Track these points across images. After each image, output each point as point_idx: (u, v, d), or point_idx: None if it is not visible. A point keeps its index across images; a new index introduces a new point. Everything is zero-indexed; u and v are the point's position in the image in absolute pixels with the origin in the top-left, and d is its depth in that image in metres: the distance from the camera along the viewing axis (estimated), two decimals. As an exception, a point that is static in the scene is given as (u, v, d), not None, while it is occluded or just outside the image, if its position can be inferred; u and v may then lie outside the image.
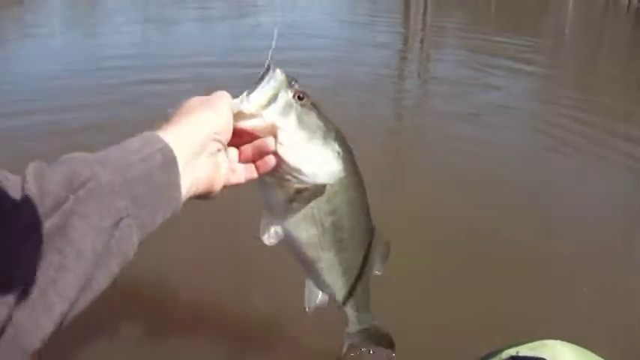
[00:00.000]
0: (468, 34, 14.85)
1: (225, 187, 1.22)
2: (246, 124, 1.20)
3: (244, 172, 1.26)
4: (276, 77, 1.23)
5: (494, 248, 4.08)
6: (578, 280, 3.79)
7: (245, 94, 1.21)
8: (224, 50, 10.95)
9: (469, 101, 8.10)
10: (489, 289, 3.57)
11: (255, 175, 1.26)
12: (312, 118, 1.28)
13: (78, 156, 0.94)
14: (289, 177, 1.28)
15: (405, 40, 14.46)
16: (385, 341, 2.00)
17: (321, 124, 1.30)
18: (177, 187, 1.04)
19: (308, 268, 1.56)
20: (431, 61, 11.91)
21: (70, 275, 0.85)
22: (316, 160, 1.27)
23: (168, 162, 1.02)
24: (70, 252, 0.85)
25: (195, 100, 1.17)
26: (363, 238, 1.54)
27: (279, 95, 1.23)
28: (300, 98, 1.28)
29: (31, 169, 0.89)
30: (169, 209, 1.03)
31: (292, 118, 1.24)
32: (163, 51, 10.98)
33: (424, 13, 19.60)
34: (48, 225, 0.84)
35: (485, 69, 10.11)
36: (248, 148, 1.25)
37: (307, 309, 1.61)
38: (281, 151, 1.22)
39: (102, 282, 0.91)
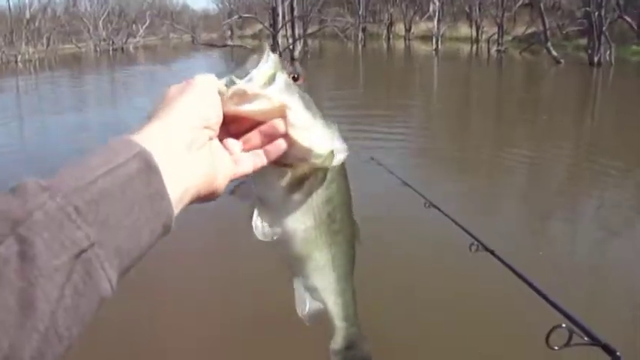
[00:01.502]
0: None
1: (231, 180, 1.07)
2: (252, 107, 1.05)
3: (251, 161, 1.10)
4: (272, 58, 1.10)
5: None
6: None
7: (230, 77, 1.06)
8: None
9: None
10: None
11: (264, 162, 1.11)
12: (308, 97, 1.18)
13: (19, 187, 0.74)
14: (296, 161, 1.17)
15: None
16: None
17: (314, 105, 1.20)
18: (164, 196, 0.86)
19: (298, 268, 1.46)
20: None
21: (23, 334, 0.68)
22: (323, 141, 1.16)
23: (147, 168, 0.84)
24: (14, 306, 0.68)
25: (174, 89, 1.01)
26: (351, 233, 1.45)
27: (277, 75, 1.10)
28: (294, 79, 1.17)
29: None
30: (158, 224, 0.84)
31: (297, 97, 1.11)
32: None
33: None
34: None
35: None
36: (254, 135, 1.09)
37: (302, 315, 1.50)
38: (292, 133, 1.09)
39: (72, 331, 0.73)
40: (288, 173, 1.16)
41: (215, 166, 1.00)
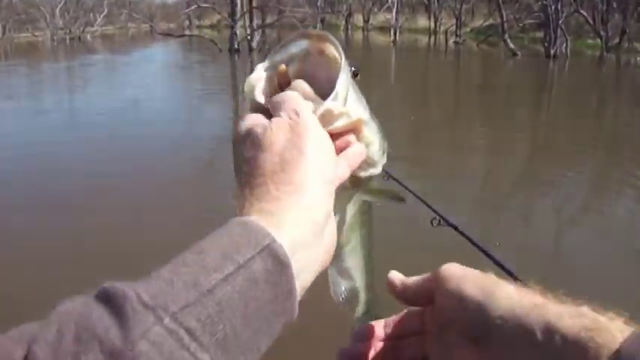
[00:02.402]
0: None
1: None
2: (335, 127, 0.88)
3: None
4: (345, 61, 0.90)
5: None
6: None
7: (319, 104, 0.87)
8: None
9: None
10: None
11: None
12: (364, 100, 1.08)
13: (113, 298, 0.58)
14: (358, 171, 1.07)
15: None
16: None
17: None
18: (290, 294, 0.68)
19: (335, 254, 1.46)
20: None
21: None
22: (383, 149, 1.09)
23: (276, 266, 0.66)
24: None
25: (277, 141, 0.76)
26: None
27: (350, 83, 0.92)
28: (354, 75, 1.05)
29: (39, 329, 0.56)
30: (278, 326, 0.67)
31: (366, 107, 0.96)
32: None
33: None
34: None
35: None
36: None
37: (339, 298, 1.51)
38: (365, 145, 0.94)
39: None
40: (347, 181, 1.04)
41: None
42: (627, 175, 10.61)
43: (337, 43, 0.89)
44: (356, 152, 0.87)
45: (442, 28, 49.65)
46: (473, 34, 46.44)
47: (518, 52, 33.66)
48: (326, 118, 0.85)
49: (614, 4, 37.92)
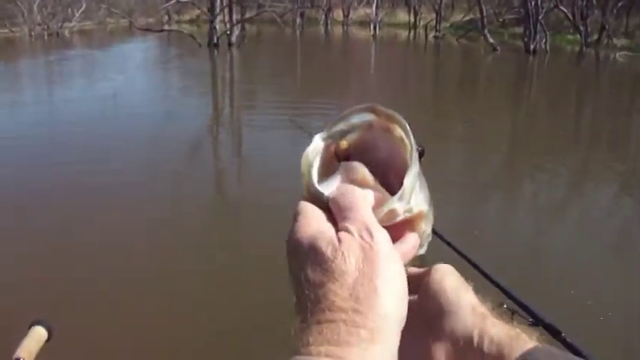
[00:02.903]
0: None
1: None
2: (394, 222, 0.82)
3: None
4: (416, 154, 0.82)
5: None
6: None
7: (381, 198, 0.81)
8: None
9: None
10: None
11: None
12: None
13: None
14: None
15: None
16: None
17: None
18: None
19: None
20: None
21: None
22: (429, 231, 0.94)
23: None
24: None
25: (345, 267, 0.67)
26: None
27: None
28: (421, 156, 0.95)
29: None
30: None
31: (426, 194, 0.88)
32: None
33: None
34: None
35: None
36: None
37: None
38: (419, 235, 0.86)
39: None
40: None
41: None
42: (605, 168, 10.71)
43: (407, 126, 0.82)
44: (410, 245, 0.81)
45: (422, 23, 49.63)
46: (452, 29, 46.43)
47: (498, 47, 33.71)
48: (388, 217, 0.79)
49: (594, 1, 38.07)
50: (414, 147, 0.81)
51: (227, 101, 19.18)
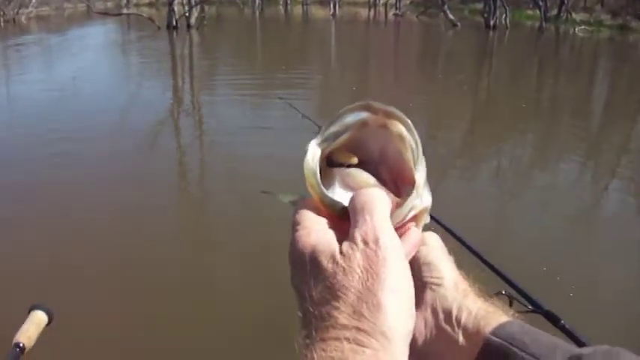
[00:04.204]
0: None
1: None
2: (403, 222, 0.81)
3: None
4: (420, 150, 0.82)
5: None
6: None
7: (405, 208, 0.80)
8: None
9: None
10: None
11: None
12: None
13: None
14: None
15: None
16: None
17: None
18: None
19: None
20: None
21: None
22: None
23: None
24: None
25: (348, 283, 0.66)
26: None
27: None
28: None
29: None
30: None
31: (429, 193, 0.88)
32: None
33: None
34: None
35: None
36: None
37: None
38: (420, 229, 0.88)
39: None
40: None
41: None
42: (566, 143, 10.85)
43: (409, 122, 0.79)
44: (415, 239, 0.83)
45: (382, 1, 49.69)
46: (413, 6, 46.59)
47: (458, 23, 33.86)
48: (406, 216, 0.79)
49: (552, -25, 38.41)
50: (419, 142, 0.79)
51: (187, 79, 19.01)
